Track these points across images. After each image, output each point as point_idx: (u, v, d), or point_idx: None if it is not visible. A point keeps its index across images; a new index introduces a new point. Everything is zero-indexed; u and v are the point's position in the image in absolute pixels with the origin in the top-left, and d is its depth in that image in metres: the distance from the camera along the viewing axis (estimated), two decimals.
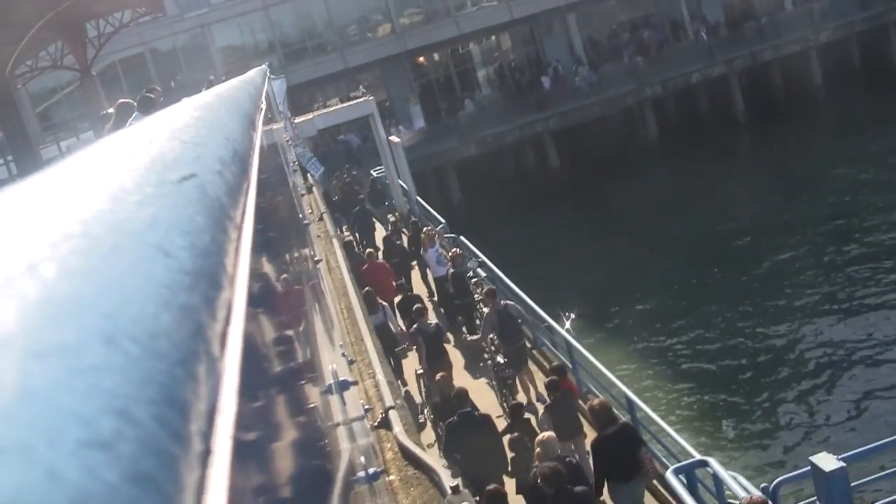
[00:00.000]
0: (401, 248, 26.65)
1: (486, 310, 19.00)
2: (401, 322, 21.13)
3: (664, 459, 14.98)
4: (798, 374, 25.04)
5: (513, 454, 14.02)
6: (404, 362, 20.01)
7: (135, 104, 12.70)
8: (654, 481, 14.20)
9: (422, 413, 17.76)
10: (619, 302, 32.26)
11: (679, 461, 13.81)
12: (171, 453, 0.56)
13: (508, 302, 19.13)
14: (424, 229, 25.70)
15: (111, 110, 14.87)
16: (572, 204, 45.48)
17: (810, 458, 12.03)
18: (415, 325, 18.88)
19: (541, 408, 15.94)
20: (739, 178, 43.54)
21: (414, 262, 26.42)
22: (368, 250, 25.67)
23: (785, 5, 59.38)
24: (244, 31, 56.97)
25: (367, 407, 9.18)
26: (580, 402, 16.43)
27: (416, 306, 19.62)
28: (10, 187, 0.89)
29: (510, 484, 13.74)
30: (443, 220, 29.30)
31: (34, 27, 32.18)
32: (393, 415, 9.96)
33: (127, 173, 1.05)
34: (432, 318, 20.73)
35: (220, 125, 2.11)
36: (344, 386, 4.91)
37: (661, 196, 43.48)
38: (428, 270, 25.22)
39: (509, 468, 14.18)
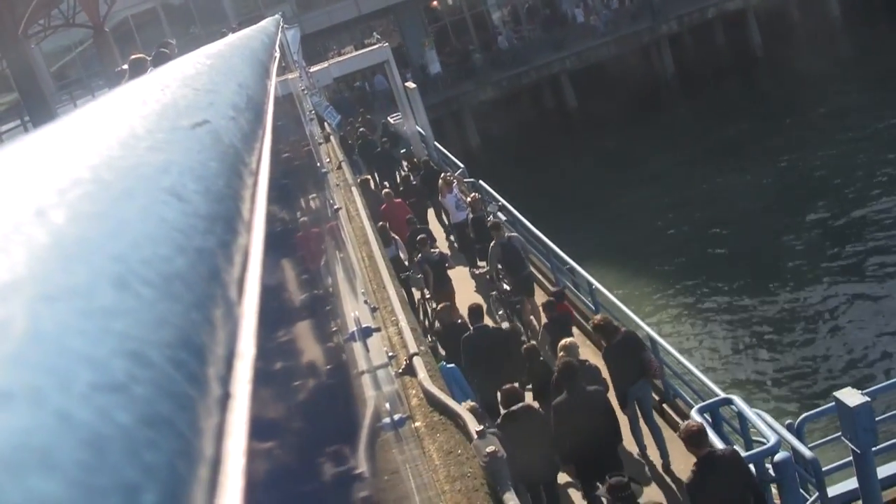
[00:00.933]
0: (417, 188, 27.07)
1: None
2: None
3: (688, 399, 15.03)
4: (821, 311, 25.00)
5: (528, 363, 14.50)
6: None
7: (149, 59, 12.67)
8: (680, 420, 14.30)
9: (426, 338, 18.20)
10: (639, 244, 32.16)
11: (703, 400, 13.84)
12: (189, 396, 0.55)
13: (512, 234, 19.81)
14: (442, 175, 25.68)
15: (125, 66, 14.80)
16: (591, 144, 45.33)
17: (834, 393, 12.02)
18: (419, 255, 19.82)
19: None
20: (759, 114, 43.21)
21: (429, 202, 26.91)
22: (385, 190, 26.04)
23: None
24: None
25: (391, 354, 9.21)
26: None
27: (419, 237, 20.53)
28: (21, 138, 0.88)
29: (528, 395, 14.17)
30: (461, 165, 29.22)
31: None
32: (417, 361, 9.96)
33: (138, 120, 1.04)
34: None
35: (233, 73, 2.10)
36: (367, 333, 4.93)
37: (680, 134, 43.28)
38: (443, 212, 25.70)
39: (525, 377, 14.65)
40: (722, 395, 13.35)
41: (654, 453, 14.19)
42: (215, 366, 0.65)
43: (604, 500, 10.94)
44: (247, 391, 0.74)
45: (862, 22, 50.60)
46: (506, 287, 19.18)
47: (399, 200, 24.74)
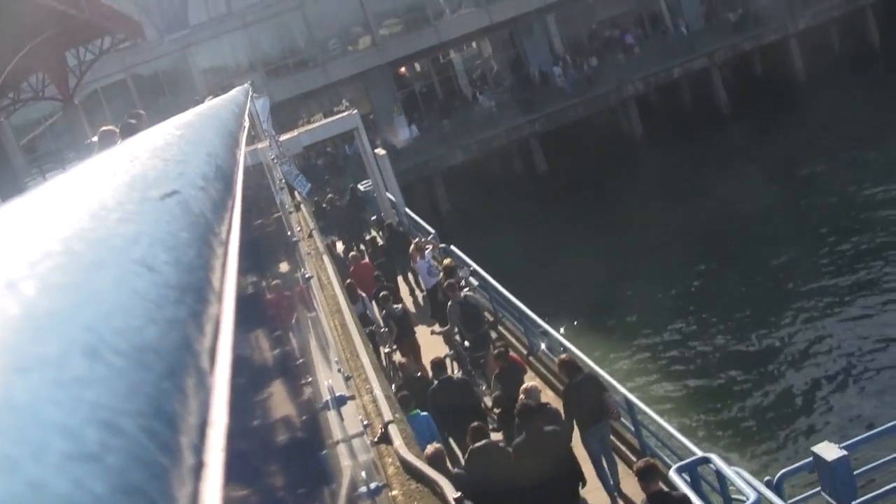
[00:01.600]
0: (384, 249, 28.01)
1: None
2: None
3: (666, 459, 14.97)
4: (795, 364, 25.04)
5: (498, 409, 15.30)
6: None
7: (118, 131, 12.66)
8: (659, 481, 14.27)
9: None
10: (612, 302, 32.24)
11: (681, 459, 13.80)
12: (162, 465, 0.55)
13: (468, 293, 20.73)
14: (414, 241, 25.89)
15: (95, 139, 14.81)
16: (562, 206, 45.52)
17: (812, 448, 12.04)
18: (384, 311, 21.05)
19: None
20: (726, 171, 43.49)
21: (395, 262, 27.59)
22: (352, 253, 27.41)
23: None
24: (225, 52, 56.92)
25: (366, 422, 9.17)
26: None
27: (381, 293, 21.75)
28: None
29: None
30: (432, 231, 29.28)
31: (13, 60, 32.13)
32: (392, 429, 9.94)
33: (108, 192, 1.04)
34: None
35: (202, 143, 2.10)
36: (341, 401, 4.90)
37: (650, 194, 43.52)
38: (409, 273, 26.83)
39: (496, 424, 15.56)
40: (700, 453, 13.32)
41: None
42: (188, 434, 0.65)
43: None
44: (220, 459, 0.74)
45: (824, 76, 51.31)
46: (466, 344, 19.89)
47: (366, 262, 25.92)
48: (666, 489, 11.49)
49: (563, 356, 15.71)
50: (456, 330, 20.15)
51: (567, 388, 14.74)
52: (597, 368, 17.25)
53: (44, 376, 0.51)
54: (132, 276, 0.77)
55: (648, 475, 11.27)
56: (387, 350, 20.94)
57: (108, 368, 0.58)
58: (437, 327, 21.94)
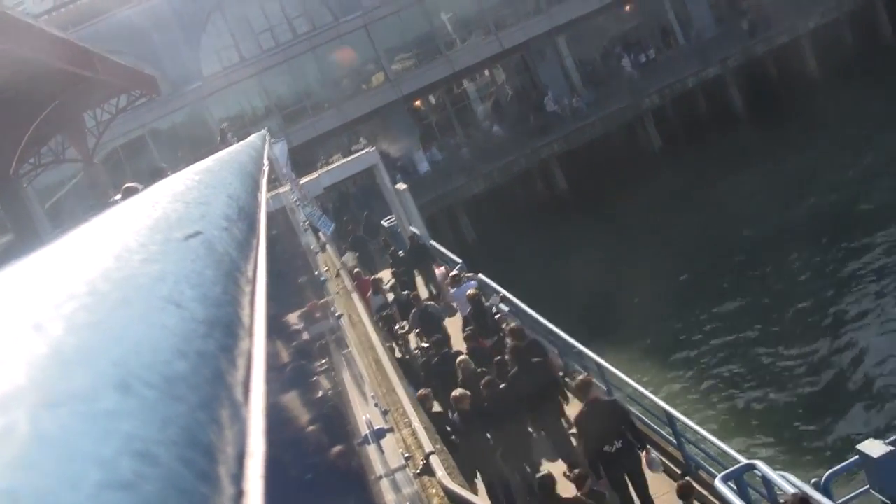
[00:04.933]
0: (404, 259, 31.52)
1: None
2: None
3: (710, 468, 14.86)
4: (832, 363, 24.88)
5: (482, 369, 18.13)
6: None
7: (140, 188, 12.76)
8: (705, 492, 14.18)
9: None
10: (643, 315, 32.10)
11: (726, 468, 13.70)
12: (201, 493, 0.55)
13: (429, 303, 25.13)
14: (450, 273, 26.41)
15: (118, 196, 14.93)
16: (587, 225, 45.48)
17: (857, 446, 11.94)
18: (393, 297, 26.46)
19: None
20: (748, 178, 43.39)
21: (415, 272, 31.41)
22: (356, 270, 29.89)
23: None
24: (240, 100, 57.24)
25: (406, 455, 9.14)
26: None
27: (388, 282, 27.85)
28: (14, 262, 0.89)
29: None
30: (459, 261, 29.27)
31: (32, 125, 32.40)
32: (434, 460, 9.90)
33: (130, 235, 1.04)
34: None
35: (223, 186, 2.10)
36: (380, 434, 4.89)
37: (673, 205, 43.46)
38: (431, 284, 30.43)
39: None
40: (744, 461, 13.22)
41: None
42: (225, 464, 0.64)
43: None
44: (260, 488, 0.74)
45: (839, 72, 51.17)
46: (424, 345, 22.67)
47: (366, 278, 29.07)
48: (600, 397, 15.09)
49: (513, 325, 19.62)
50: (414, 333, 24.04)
51: (518, 349, 17.41)
52: (635, 385, 17.30)
53: (74, 410, 0.51)
54: (159, 313, 0.77)
55: (586, 389, 14.49)
56: (396, 328, 24.62)
57: (140, 401, 0.57)
58: (398, 329, 25.18)
